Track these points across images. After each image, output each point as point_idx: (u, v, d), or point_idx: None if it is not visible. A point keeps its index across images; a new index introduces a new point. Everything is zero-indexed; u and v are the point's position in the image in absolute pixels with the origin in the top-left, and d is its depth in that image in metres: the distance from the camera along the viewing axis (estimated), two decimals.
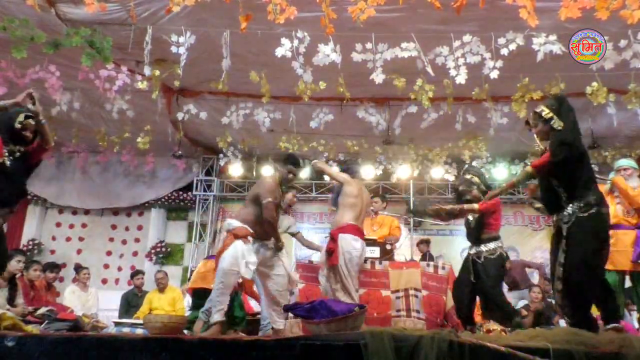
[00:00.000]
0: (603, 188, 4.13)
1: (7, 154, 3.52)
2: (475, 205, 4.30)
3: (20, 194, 3.70)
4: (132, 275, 7.23)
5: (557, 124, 3.17)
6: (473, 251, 4.40)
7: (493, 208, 4.33)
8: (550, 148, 3.16)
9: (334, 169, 5.07)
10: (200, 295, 5.20)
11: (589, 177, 3.19)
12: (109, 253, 9.22)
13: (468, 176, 4.52)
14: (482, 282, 4.27)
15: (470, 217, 4.49)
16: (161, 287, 6.57)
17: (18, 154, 3.59)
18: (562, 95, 3.51)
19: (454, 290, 4.55)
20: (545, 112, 3.23)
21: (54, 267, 6.34)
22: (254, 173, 9.01)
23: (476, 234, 4.41)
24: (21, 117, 3.61)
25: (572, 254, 3.06)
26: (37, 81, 5.64)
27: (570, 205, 3.11)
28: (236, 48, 5.13)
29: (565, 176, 3.15)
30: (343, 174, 4.75)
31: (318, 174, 4.94)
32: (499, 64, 4.81)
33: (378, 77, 4.94)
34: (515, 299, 6.66)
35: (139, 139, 6.88)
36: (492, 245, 4.31)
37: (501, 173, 8.59)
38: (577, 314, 3.06)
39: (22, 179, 3.66)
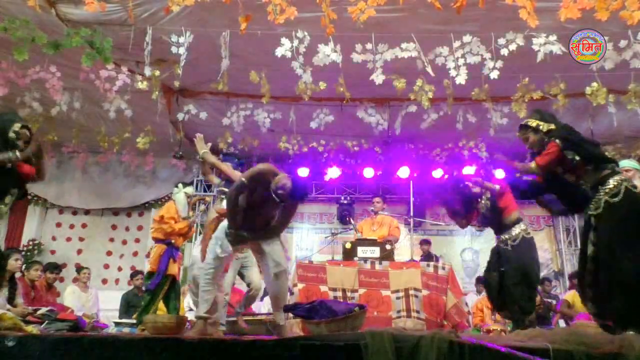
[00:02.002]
0: None
1: None
2: (497, 186, 4.19)
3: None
4: (132, 276, 7.23)
5: (546, 127, 3.22)
6: (499, 239, 4.26)
7: (501, 190, 4.20)
8: (550, 142, 3.16)
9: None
10: None
11: (602, 157, 3.14)
12: (109, 253, 9.22)
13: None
14: (504, 273, 4.12)
15: (483, 207, 4.34)
16: None
17: (9, 164, 3.51)
18: (538, 109, 3.55)
19: (484, 278, 4.42)
20: (531, 122, 3.30)
21: (55, 267, 6.33)
22: None
23: (496, 221, 4.29)
24: (16, 126, 3.57)
25: (603, 244, 2.90)
26: (37, 81, 5.64)
27: (597, 193, 3.00)
28: (236, 48, 5.13)
29: (578, 165, 3.08)
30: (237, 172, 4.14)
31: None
32: (499, 64, 4.80)
33: (378, 78, 4.94)
34: None
35: (139, 139, 6.87)
36: (514, 231, 4.15)
37: (501, 173, 8.58)
38: (626, 317, 2.80)
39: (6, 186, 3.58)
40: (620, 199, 2.91)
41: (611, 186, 2.96)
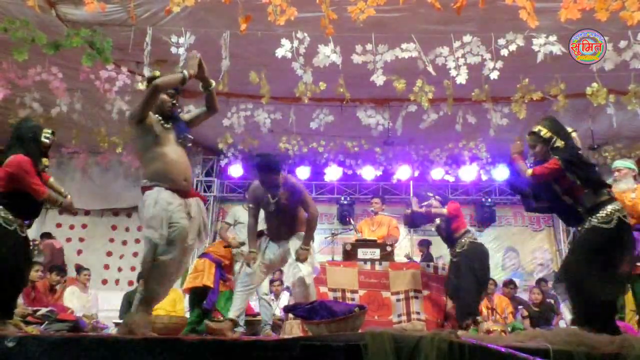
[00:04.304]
0: None
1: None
2: (444, 210, 4.91)
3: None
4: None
5: (559, 142, 3.19)
6: (451, 253, 4.98)
7: (456, 213, 4.92)
8: (553, 159, 3.17)
9: None
10: (198, 294, 5.20)
11: (600, 182, 3.18)
12: (109, 254, 9.21)
13: (423, 192, 5.26)
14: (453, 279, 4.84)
15: (438, 228, 5.12)
16: None
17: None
18: (552, 117, 3.52)
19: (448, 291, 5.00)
20: (544, 132, 3.24)
21: (61, 269, 6.29)
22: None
23: (450, 239, 4.98)
24: (47, 132, 3.53)
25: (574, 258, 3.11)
26: (38, 82, 5.64)
27: (590, 217, 3.08)
28: (236, 49, 5.13)
29: (574, 187, 3.13)
30: None
31: None
32: (499, 64, 4.81)
33: (378, 79, 4.94)
34: None
35: None
36: (462, 240, 4.84)
37: (501, 174, 8.60)
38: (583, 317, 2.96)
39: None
40: (610, 227, 3.00)
41: (605, 214, 3.03)
